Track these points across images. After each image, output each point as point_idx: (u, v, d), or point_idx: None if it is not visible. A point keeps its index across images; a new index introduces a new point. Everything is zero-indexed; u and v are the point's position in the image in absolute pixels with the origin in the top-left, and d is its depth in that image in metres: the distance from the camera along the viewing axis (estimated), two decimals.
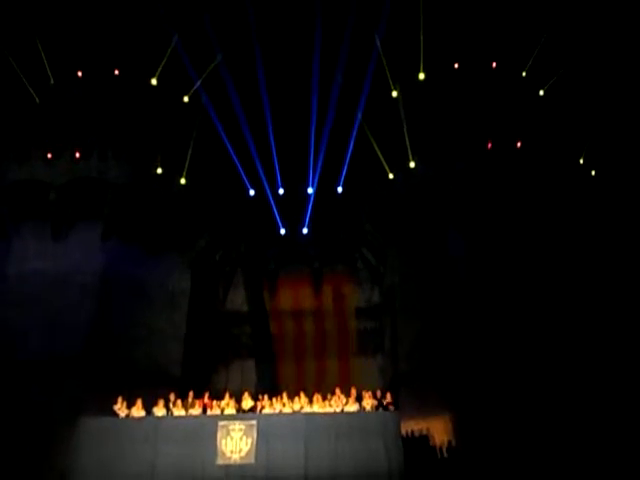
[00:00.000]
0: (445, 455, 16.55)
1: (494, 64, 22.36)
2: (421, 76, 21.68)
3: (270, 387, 20.25)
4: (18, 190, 20.78)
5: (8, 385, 17.48)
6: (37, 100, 21.65)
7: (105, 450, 13.27)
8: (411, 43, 21.63)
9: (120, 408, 14.37)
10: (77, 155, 20.97)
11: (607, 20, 21.85)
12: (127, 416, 14.27)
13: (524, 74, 22.55)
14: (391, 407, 14.68)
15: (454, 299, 19.39)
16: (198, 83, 21.78)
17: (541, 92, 22.51)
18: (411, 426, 17.13)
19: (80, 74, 21.94)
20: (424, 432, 17.31)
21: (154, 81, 21.48)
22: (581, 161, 22.11)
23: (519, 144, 21.03)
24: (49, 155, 21.01)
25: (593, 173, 22.41)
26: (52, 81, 21.83)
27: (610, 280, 19.54)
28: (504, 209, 20.09)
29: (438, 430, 17.46)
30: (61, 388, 17.45)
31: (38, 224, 20.55)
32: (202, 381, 20.51)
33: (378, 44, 21.22)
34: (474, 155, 20.70)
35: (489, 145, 20.83)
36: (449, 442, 16.92)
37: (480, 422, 17.06)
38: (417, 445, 16.41)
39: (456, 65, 22.41)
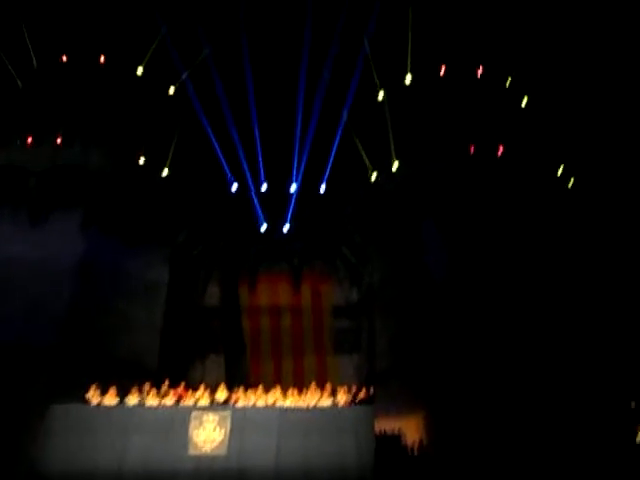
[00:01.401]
0: (416, 454, 16.70)
1: (479, 71, 22.75)
2: (407, 79, 21.93)
3: (245, 382, 20.18)
4: None
5: None
6: (19, 84, 21.33)
7: (75, 438, 13.16)
8: (399, 47, 21.90)
9: (93, 396, 14.20)
10: (59, 142, 20.71)
11: (590, 34, 22.41)
12: (99, 404, 14.11)
13: (508, 84, 22.97)
14: (365, 403, 14.75)
15: (432, 300, 19.59)
16: (185, 75, 21.69)
17: (523, 102, 22.95)
18: (384, 424, 17.19)
19: (65, 59, 21.67)
20: (396, 431, 17.39)
21: (140, 70, 21.33)
22: (560, 171, 22.59)
23: (500, 150, 21.41)
24: (30, 140, 20.70)
25: (570, 184, 22.89)
26: (35, 65, 21.51)
27: (583, 278, 20.04)
28: (484, 212, 20.42)
29: (410, 429, 17.60)
30: (36, 376, 17.18)
31: (16, 210, 20.26)
32: (178, 374, 20.24)
33: (367, 45, 21.42)
34: (456, 159, 21.02)
35: (471, 149, 21.17)
36: (420, 441, 17.07)
37: (452, 422, 17.26)
38: (389, 443, 16.50)
39: (442, 70, 22.74)
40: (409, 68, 21.87)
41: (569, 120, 23.00)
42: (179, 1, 21.82)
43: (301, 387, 15.36)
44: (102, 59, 21.72)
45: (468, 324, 18.64)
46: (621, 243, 21.22)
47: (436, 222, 20.72)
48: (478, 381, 17.50)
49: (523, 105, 22.81)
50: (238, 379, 21.10)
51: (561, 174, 22.63)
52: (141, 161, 21.47)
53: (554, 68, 22.67)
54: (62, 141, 20.77)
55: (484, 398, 17.18)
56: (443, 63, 22.66)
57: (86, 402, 14.13)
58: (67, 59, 21.65)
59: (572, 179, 22.88)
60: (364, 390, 15.33)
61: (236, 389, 14.84)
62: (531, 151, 22.05)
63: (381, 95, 22.36)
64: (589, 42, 22.54)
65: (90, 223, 20.59)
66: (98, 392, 14.30)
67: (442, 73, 22.76)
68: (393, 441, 16.95)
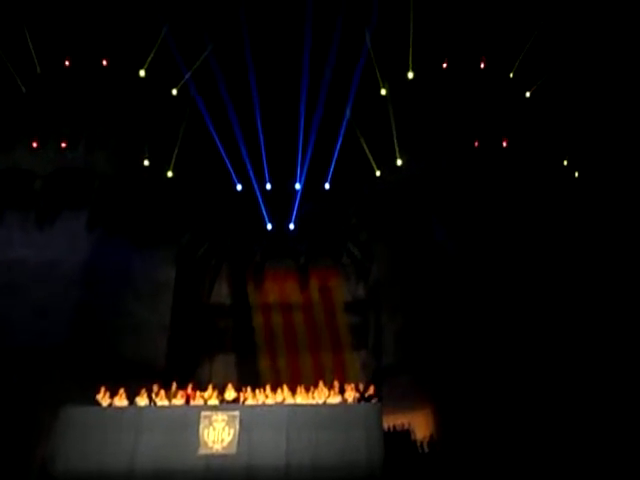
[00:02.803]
0: (426, 450, 16.70)
1: (482, 64, 22.63)
2: (410, 74, 21.84)
3: (253, 380, 20.27)
4: (2, 179, 20.60)
5: None
6: (23, 89, 21.44)
7: (87, 439, 13.29)
8: (400, 41, 21.78)
9: (103, 398, 14.37)
10: (63, 145, 20.83)
11: (594, 24, 22.18)
12: (109, 406, 14.27)
13: (511, 76, 22.83)
14: (373, 400, 14.79)
15: (439, 295, 19.59)
16: (187, 75, 21.70)
17: (527, 94, 22.80)
18: (393, 420, 17.23)
19: (68, 63, 21.77)
20: (406, 426, 17.42)
21: (142, 72, 21.38)
22: (565, 163, 22.45)
23: (505, 143, 21.30)
24: (35, 144, 20.84)
25: (576, 175, 22.76)
26: (39, 70, 21.61)
27: (591, 273, 19.89)
28: (490, 206, 20.36)
29: (420, 425, 17.61)
30: (45, 378, 17.31)
31: (23, 213, 20.44)
32: (186, 373, 20.47)
33: (368, 41, 21.33)
34: (461, 153, 20.96)
35: (476, 143, 21.08)
36: (430, 437, 17.08)
37: (462, 417, 17.25)
38: (398, 439, 16.52)
39: (445, 64, 22.65)
40: (411, 62, 21.77)
41: (574, 109, 22.82)
42: (180, 1, 21.79)
43: (308, 384, 15.43)
44: (105, 62, 21.80)
45: (475, 318, 18.62)
46: (631, 232, 21.02)
47: (442, 217, 20.68)
48: (486, 375, 17.47)
49: (527, 95, 22.66)
50: (253, 377, 21.27)
51: (567, 164, 22.48)
52: (145, 162, 21.54)
53: (558, 57, 22.47)
54: (67, 144, 20.87)
55: (493, 392, 17.15)
56: (446, 56, 22.57)
57: (97, 403, 14.28)
58: (70, 63, 21.73)
59: (577, 169, 22.76)
60: (372, 386, 15.38)
61: (244, 388, 14.92)
62: (536, 142, 21.93)
63: (384, 90, 22.28)
64: (594, 29, 22.31)
65: (96, 225, 20.72)
66: (108, 393, 14.44)
67: (445, 66, 22.69)
68: (402, 437, 16.97)
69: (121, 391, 14.50)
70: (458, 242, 20.17)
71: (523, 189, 20.79)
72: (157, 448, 13.14)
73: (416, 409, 18.04)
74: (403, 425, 17.44)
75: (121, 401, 14.38)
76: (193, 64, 21.87)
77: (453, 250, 20.12)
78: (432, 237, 20.67)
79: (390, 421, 16.80)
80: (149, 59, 21.42)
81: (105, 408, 14.23)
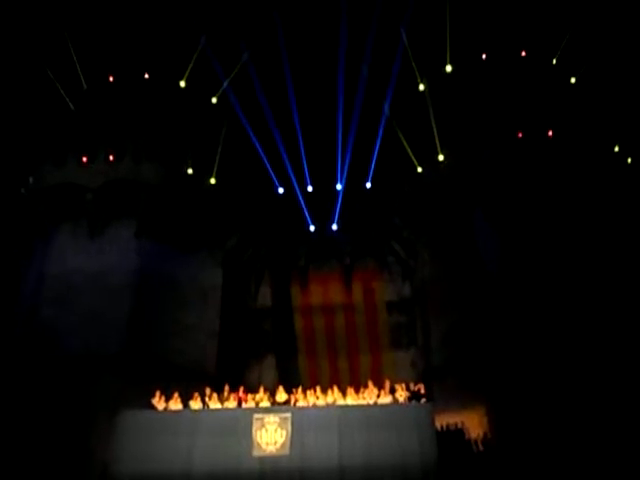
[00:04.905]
0: (481, 449, 16.39)
1: (523, 52, 22.02)
2: (448, 68, 21.49)
3: (302, 382, 20.39)
4: (56, 193, 21.49)
5: (50, 381, 18.04)
6: (71, 106, 22.31)
7: (144, 442, 13.70)
8: (437, 35, 21.47)
9: (158, 402, 14.75)
10: (111, 158, 21.55)
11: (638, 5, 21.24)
12: (165, 409, 14.64)
13: (554, 62, 22.13)
14: (424, 399, 14.62)
15: (485, 291, 19.17)
16: (226, 83, 22.07)
17: (572, 80, 22.04)
18: (445, 419, 17.01)
19: (111, 79, 22.55)
20: (459, 425, 17.15)
21: (183, 83, 21.90)
22: (616, 149, 21.54)
23: (550, 133, 20.62)
24: (84, 159, 21.65)
25: (629, 161, 21.80)
26: (85, 87, 22.46)
27: None
28: (536, 200, 19.71)
29: (473, 423, 17.30)
30: (101, 383, 17.95)
31: (75, 225, 21.26)
32: (236, 376, 20.76)
33: (404, 37, 21.13)
34: (504, 146, 20.42)
35: (519, 135, 20.50)
36: (484, 435, 16.77)
37: (515, 415, 16.85)
38: (451, 438, 16.30)
39: (484, 55, 22.17)
40: (449, 55, 21.41)
41: (622, 92, 21.86)
42: (215, 10, 22.19)
43: (357, 385, 15.40)
44: (146, 75, 22.44)
45: (523, 314, 18.12)
46: None
47: (486, 212, 20.22)
48: (537, 372, 16.98)
49: (573, 81, 21.89)
50: (302, 379, 21.40)
51: (618, 152, 21.55)
52: (189, 171, 22.02)
53: (603, 38, 21.59)
54: (114, 157, 21.57)
55: (545, 390, 16.65)
56: (483, 47, 22.09)
57: (152, 407, 14.67)
58: (114, 78, 22.50)
59: (630, 157, 21.79)
60: (422, 385, 15.20)
61: (295, 390, 15.01)
62: (584, 130, 21.13)
63: (422, 86, 22.00)
64: (637, 10, 21.36)
65: (144, 233, 21.30)
66: (163, 397, 14.82)
67: (484, 57, 22.21)
68: (456, 436, 16.73)
69: (175, 395, 14.86)
70: (504, 239, 19.63)
71: (571, 181, 19.99)
72: (212, 450, 13.42)
73: (467, 408, 17.76)
74: (456, 424, 17.18)
75: (176, 405, 14.74)
76: (231, 72, 22.22)
77: (497, 247, 19.61)
78: (476, 234, 20.21)
79: (442, 420, 16.59)
80: (188, 70, 21.92)
81: (161, 412, 14.61)
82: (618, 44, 21.61)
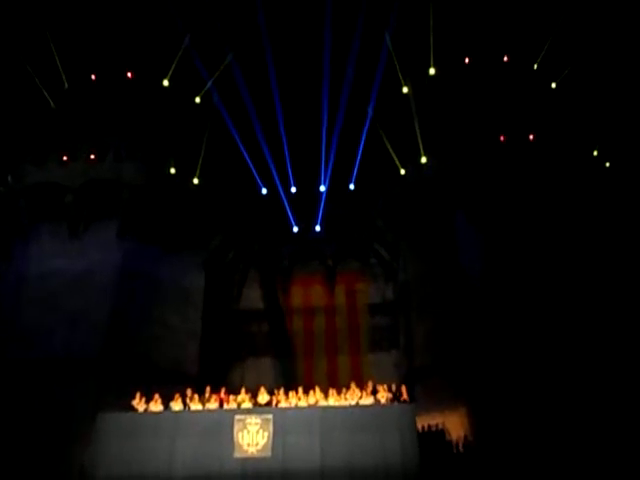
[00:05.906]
0: (461, 450, 16.50)
1: (505, 58, 22.29)
2: (432, 71, 21.66)
3: (285, 383, 20.32)
4: (35, 192, 21.15)
5: (29, 383, 17.77)
6: (52, 105, 22.01)
7: (124, 444, 13.49)
8: (421, 38, 21.64)
9: (138, 403, 14.58)
10: (92, 157, 21.29)
11: (618, 11, 21.64)
12: (145, 411, 14.47)
13: (535, 67, 22.44)
14: (406, 400, 14.66)
15: (468, 294, 19.31)
16: (210, 83, 21.98)
17: (553, 85, 22.38)
18: (427, 421, 17.12)
19: (94, 78, 22.30)
20: (440, 427, 17.29)
21: (166, 82, 21.75)
22: (595, 153, 21.89)
23: (532, 137, 20.89)
24: (65, 158, 21.35)
25: (607, 165, 22.16)
26: (66, 85, 22.18)
27: (623, 273, 19.30)
28: (518, 203, 19.95)
29: (454, 425, 17.41)
30: (81, 385, 17.72)
31: (55, 225, 20.93)
32: (218, 378, 20.63)
33: (388, 40, 21.25)
34: (486, 149, 20.63)
35: (502, 138, 20.73)
36: (465, 437, 16.87)
37: (496, 416, 16.97)
38: (433, 439, 16.39)
39: (467, 59, 22.40)
40: (432, 59, 21.58)
41: (602, 97, 22.23)
42: (199, 11, 22.09)
43: (340, 386, 15.38)
44: (129, 74, 22.24)
45: (505, 317, 18.29)
46: None
47: (468, 214, 20.40)
48: (517, 374, 17.15)
49: (553, 86, 22.22)
50: (285, 380, 21.31)
51: (597, 156, 21.90)
52: (172, 170, 21.86)
53: (584, 44, 21.95)
54: (95, 156, 21.31)
55: (525, 391, 16.83)
56: (467, 51, 22.31)
57: (132, 409, 14.50)
58: (96, 77, 22.25)
59: (608, 161, 22.14)
60: (404, 387, 15.24)
61: (276, 391, 14.96)
62: (565, 134, 21.44)
63: (406, 88, 22.14)
64: (619, 19, 21.76)
65: (126, 233, 21.06)
66: (143, 399, 14.66)
67: (467, 61, 22.44)
68: (437, 437, 16.83)
69: (156, 396, 14.69)
70: (486, 241, 19.81)
71: (552, 183, 20.28)
72: (193, 452, 13.28)
73: (449, 409, 17.84)
74: (437, 425, 17.30)
75: (156, 406, 14.56)
76: (215, 72, 22.13)
77: (479, 249, 19.79)
78: (458, 236, 20.36)
79: (424, 421, 16.68)
80: (172, 69, 21.78)
81: (141, 413, 14.43)
82: (598, 50, 22.00)
